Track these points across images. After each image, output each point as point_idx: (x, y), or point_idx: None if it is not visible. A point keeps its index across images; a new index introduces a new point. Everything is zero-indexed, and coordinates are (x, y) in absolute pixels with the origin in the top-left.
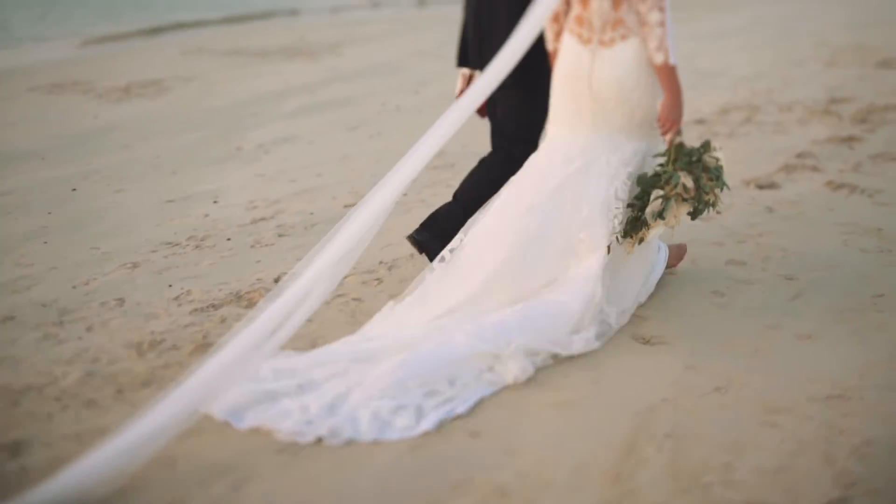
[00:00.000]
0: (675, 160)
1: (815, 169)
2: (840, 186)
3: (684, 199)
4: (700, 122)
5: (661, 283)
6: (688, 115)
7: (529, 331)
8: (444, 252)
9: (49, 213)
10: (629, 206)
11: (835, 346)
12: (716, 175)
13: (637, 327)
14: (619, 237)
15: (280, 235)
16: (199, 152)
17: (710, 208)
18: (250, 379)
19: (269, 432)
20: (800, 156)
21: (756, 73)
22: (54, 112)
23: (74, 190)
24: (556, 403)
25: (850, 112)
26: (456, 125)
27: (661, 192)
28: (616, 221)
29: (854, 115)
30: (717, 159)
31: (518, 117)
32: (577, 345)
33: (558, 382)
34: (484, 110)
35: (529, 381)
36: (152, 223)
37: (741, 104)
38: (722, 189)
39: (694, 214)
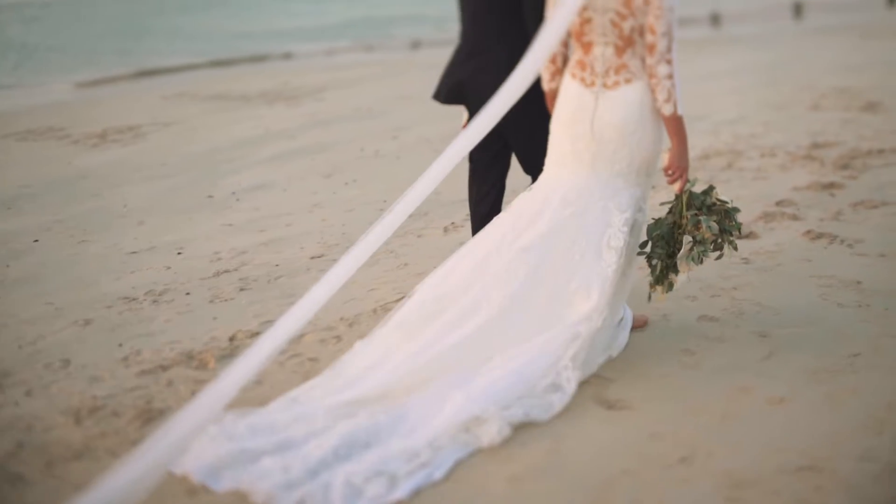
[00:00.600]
0: (688, 206)
1: (794, 217)
2: (819, 236)
3: (712, 241)
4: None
5: (630, 341)
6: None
7: (516, 390)
8: (428, 290)
9: (7, 266)
10: (648, 257)
11: (807, 410)
12: (732, 216)
13: (601, 390)
14: (650, 285)
15: (241, 289)
16: (169, 201)
17: (732, 248)
18: (227, 437)
19: (245, 495)
20: (780, 203)
21: (739, 117)
22: (26, 159)
23: (36, 241)
24: (511, 477)
25: (832, 157)
26: (448, 167)
27: (690, 238)
28: (610, 270)
29: (836, 160)
30: (725, 202)
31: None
32: (558, 406)
33: (515, 452)
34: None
35: (485, 450)
36: (112, 276)
37: (723, 149)
38: (740, 230)
39: (718, 257)
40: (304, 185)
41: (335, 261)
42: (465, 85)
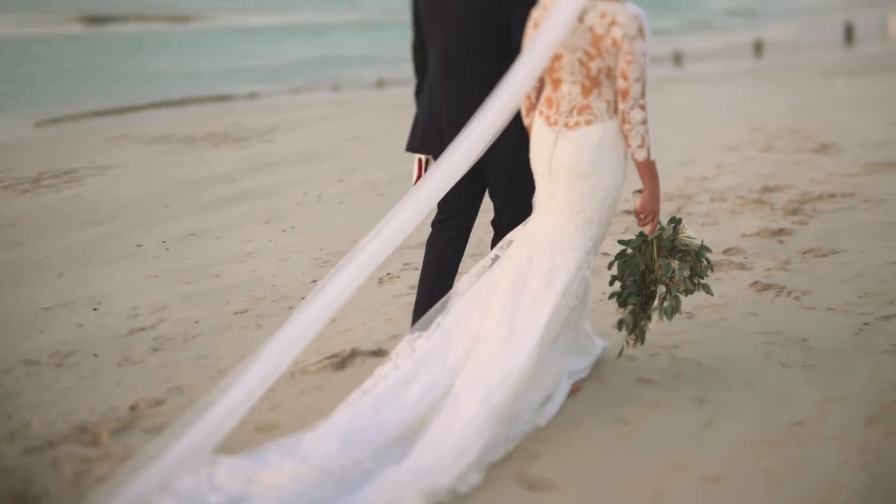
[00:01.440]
0: (659, 251)
1: (742, 267)
2: (766, 287)
3: (684, 290)
4: (629, 212)
5: (562, 408)
6: (619, 205)
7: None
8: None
9: None
10: (623, 304)
11: (744, 489)
12: (703, 256)
13: (525, 465)
14: (626, 336)
15: (154, 350)
16: (94, 250)
17: (706, 292)
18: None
19: None
20: (728, 251)
21: (691, 159)
22: None
23: None
24: None
25: (783, 201)
26: (419, 216)
27: (663, 289)
28: (541, 325)
29: (787, 204)
30: (693, 238)
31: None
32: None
33: None
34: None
35: None
36: (19, 336)
37: (674, 193)
38: (712, 268)
39: (674, 309)
40: (240, 233)
41: (259, 316)
42: (441, 129)
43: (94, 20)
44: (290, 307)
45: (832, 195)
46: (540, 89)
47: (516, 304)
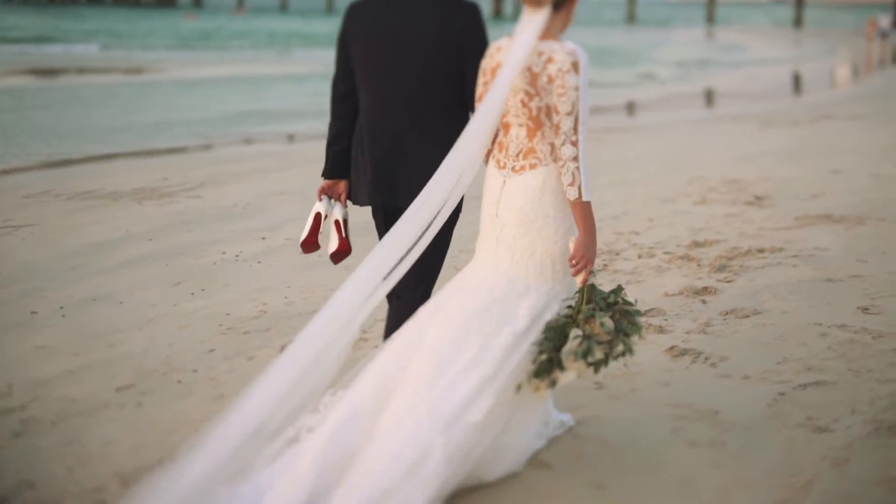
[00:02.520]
0: (588, 301)
1: (660, 330)
2: (683, 353)
3: (600, 342)
4: None
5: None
6: None
7: None
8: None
9: None
10: (540, 349)
11: None
12: (633, 320)
13: None
14: (528, 379)
15: (17, 435)
16: None
17: (623, 358)
18: None
19: None
20: (648, 313)
21: (625, 212)
22: None
23: None
24: None
25: (711, 257)
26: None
27: (579, 332)
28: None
29: (714, 260)
30: (632, 303)
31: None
32: None
33: None
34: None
35: None
36: None
37: (602, 248)
38: (640, 337)
39: (605, 361)
40: (145, 297)
41: (143, 392)
42: (393, 184)
43: (44, 73)
44: (179, 381)
45: (761, 250)
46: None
47: (459, 357)
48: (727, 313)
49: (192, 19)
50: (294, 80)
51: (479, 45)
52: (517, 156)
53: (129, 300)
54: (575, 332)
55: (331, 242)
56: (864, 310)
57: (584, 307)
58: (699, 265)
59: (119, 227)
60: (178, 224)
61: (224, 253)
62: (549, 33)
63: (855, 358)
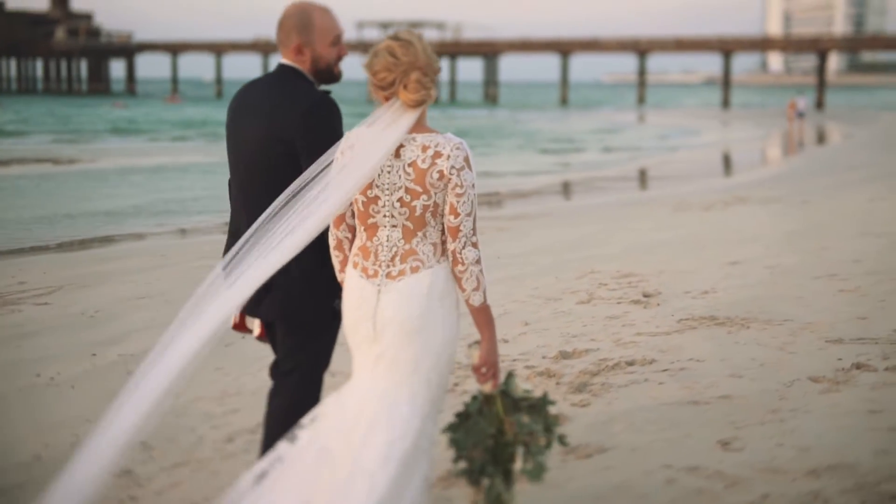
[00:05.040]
0: (505, 410)
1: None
2: None
3: (546, 443)
4: (460, 366)
5: None
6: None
7: None
8: None
9: None
10: (477, 481)
11: None
12: (546, 407)
13: None
14: None
15: None
16: None
17: (562, 444)
18: None
19: None
20: None
21: (503, 314)
22: None
23: None
24: None
25: (573, 373)
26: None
27: (524, 447)
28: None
29: (576, 377)
30: (529, 392)
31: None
32: None
33: None
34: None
35: None
36: None
37: (460, 361)
38: (557, 422)
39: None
40: None
41: None
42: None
43: None
44: None
45: (630, 363)
46: (352, 240)
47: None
48: (568, 453)
49: (119, 107)
50: (208, 170)
51: (316, 142)
52: (392, 260)
53: None
54: (519, 451)
55: (255, 328)
56: (725, 444)
57: (509, 417)
58: (558, 383)
59: None
60: (9, 337)
61: (38, 375)
62: (419, 123)
63: None
